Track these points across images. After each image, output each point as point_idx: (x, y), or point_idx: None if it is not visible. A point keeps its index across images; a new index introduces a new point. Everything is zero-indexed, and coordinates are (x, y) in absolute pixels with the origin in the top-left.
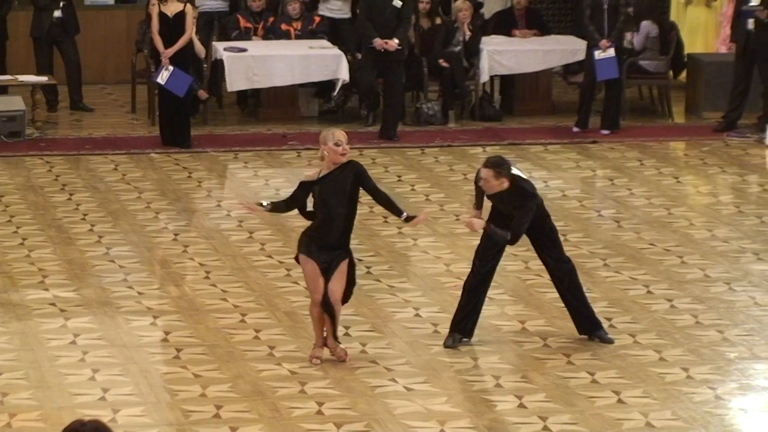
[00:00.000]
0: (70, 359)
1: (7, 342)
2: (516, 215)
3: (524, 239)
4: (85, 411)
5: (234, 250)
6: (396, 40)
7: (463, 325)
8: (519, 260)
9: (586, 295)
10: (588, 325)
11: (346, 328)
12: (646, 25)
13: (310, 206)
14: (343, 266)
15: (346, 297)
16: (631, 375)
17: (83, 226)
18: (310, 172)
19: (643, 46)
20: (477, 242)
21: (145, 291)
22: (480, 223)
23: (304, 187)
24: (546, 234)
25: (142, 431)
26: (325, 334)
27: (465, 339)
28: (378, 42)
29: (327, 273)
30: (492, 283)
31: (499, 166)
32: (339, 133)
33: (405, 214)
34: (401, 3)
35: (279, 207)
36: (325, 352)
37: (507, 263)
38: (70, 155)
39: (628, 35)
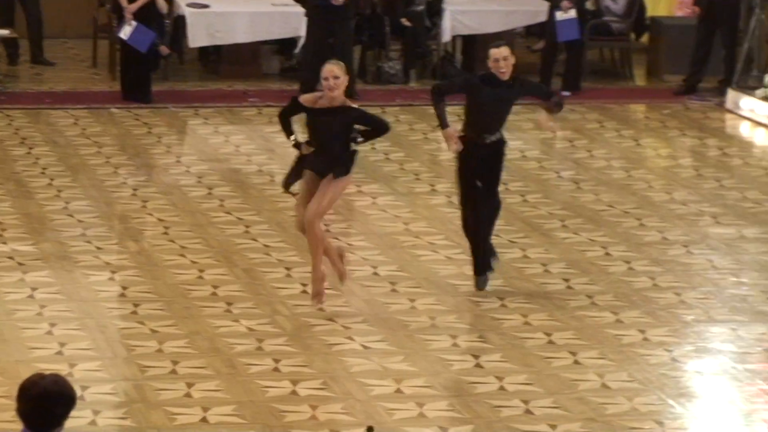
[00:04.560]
0: (28, 313)
1: None
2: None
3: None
4: (42, 365)
5: (193, 206)
6: None
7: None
8: None
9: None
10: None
11: (303, 285)
12: None
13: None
14: (332, 186)
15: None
16: (588, 336)
17: (42, 180)
18: (309, 96)
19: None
20: (437, 200)
21: (104, 246)
22: None
23: (296, 106)
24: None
25: (98, 386)
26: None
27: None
28: None
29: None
30: (450, 243)
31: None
32: (327, 68)
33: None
34: None
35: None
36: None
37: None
38: (30, 109)
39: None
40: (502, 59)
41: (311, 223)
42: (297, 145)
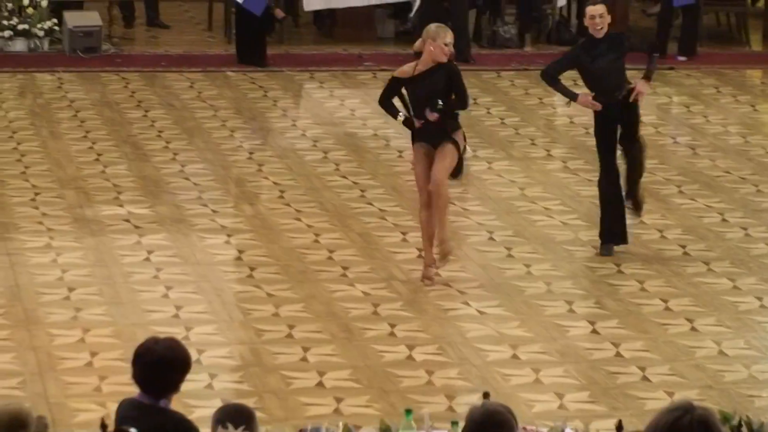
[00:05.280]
0: (144, 276)
1: (81, 258)
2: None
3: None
4: (158, 328)
5: (308, 170)
6: None
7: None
8: (593, 185)
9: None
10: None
11: (419, 250)
12: None
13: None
14: (447, 148)
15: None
16: (705, 303)
17: (158, 143)
18: (406, 67)
19: None
20: (552, 165)
21: (220, 209)
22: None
23: (396, 83)
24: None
25: (214, 349)
26: (435, 251)
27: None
28: None
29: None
30: (566, 208)
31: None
32: (450, 34)
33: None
34: None
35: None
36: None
37: (581, 188)
38: (145, 72)
39: None
40: (598, 16)
41: (440, 185)
42: (407, 121)
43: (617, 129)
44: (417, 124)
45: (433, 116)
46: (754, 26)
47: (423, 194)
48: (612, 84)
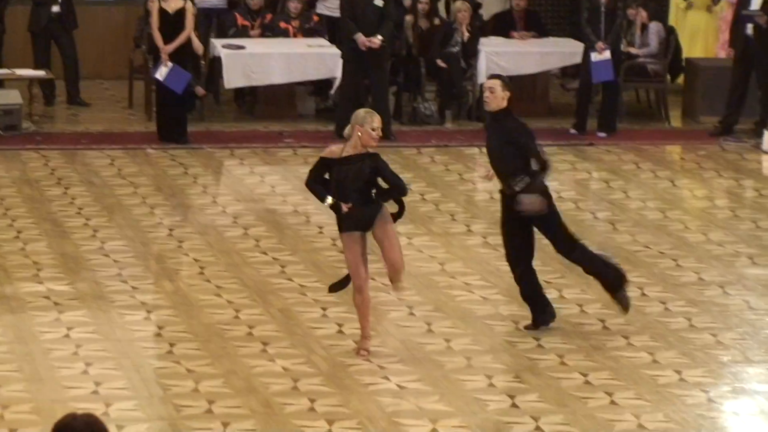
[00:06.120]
0: (64, 353)
1: (0, 335)
2: (526, 146)
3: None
4: (77, 404)
5: (229, 246)
6: (379, 37)
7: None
8: None
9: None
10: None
11: (339, 325)
12: (654, 26)
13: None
14: (388, 225)
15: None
16: (624, 377)
17: (78, 220)
18: (334, 147)
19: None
20: (472, 241)
21: (140, 285)
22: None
23: (324, 164)
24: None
25: (134, 425)
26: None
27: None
28: (361, 39)
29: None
30: (486, 283)
31: (505, 79)
32: (378, 119)
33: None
34: (383, 2)
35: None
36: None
37: (501, 263)
38: (66, 150)
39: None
40: (488, 89)
41: (402, 271)
42: (335, 205)
43: (520, 225)
44: (344, 208)
45: (347, 206)
46: (673, 103)
47: (357, 279)
48: (500, 169)
